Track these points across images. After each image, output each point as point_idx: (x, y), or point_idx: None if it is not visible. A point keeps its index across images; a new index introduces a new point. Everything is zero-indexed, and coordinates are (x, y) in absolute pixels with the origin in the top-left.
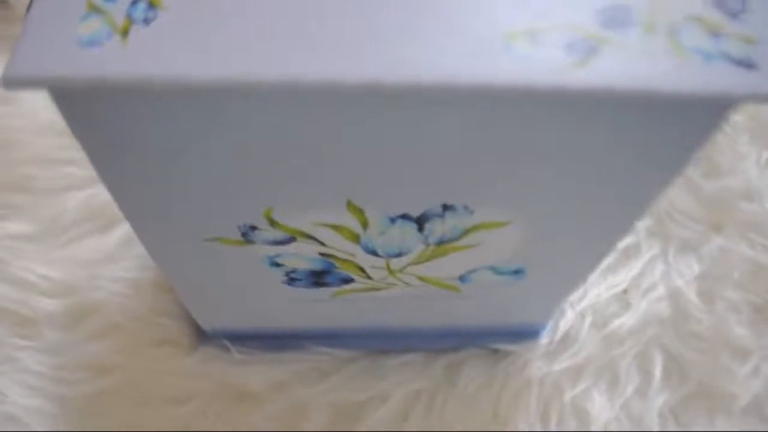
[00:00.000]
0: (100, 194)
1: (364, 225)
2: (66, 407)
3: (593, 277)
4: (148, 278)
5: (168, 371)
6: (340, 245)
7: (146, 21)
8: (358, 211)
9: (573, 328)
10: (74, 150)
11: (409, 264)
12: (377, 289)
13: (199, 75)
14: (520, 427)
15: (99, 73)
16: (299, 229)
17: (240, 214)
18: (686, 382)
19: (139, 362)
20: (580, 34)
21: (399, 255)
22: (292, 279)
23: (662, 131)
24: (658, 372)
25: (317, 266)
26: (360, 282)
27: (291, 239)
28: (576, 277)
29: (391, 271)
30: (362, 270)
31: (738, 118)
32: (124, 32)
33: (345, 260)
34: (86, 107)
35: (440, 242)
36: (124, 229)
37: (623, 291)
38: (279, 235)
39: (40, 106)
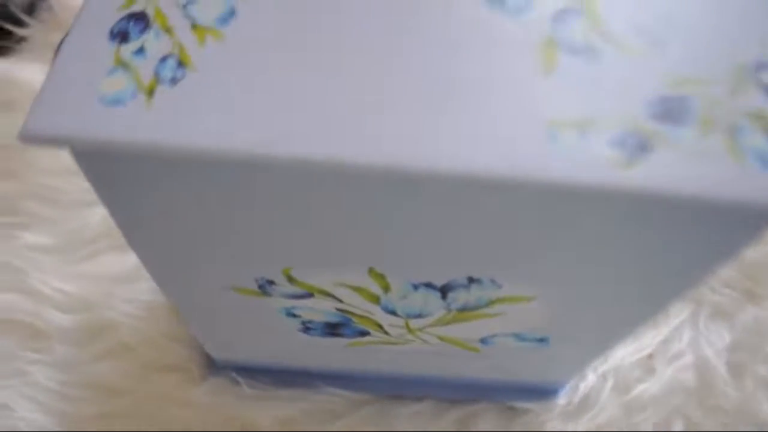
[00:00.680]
0: None
1: (386, 289)
2: (69, 426)
3: None
4: (162, 302)
5: (175, 400)
6: (358, 304)
7: (173, 81)
8: (380, 277)
9: (594, 390)
10: None
11: (429, 325)
12: (394, 344)
13: (220, 147)
14: None
15: (119, 136)
16: (318, 287)
17: (258, 270)
18: None
19: (146, 387)
20: (630, 128)
21: (419, 317)
22: (307, 328)
23: (703, 233)
24: None
25: (333, 319)
26: (376, 336)
27: (309, 295)
28: (602, 347)
29: (410, 330)
30: (380, 326)
31: None
32: (150, 92)
33: (362, 317)
34: (105, 165)
35: (463, 309)
36: None
37: (648, 356)
38: (297, 290)
39: None
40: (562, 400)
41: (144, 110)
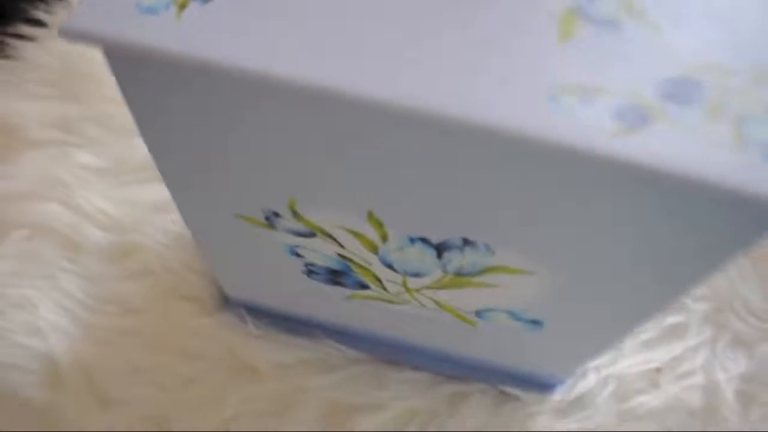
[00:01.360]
0: None
1: (383, 238)
2: (86, 333)
3: (628, 346)
4: (190, 235)
5: (186, 327)
6: (358, 251)
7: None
8: (378, 224)
9: (591, 392)
10: None
11: (426, 287)
12: (392, 302)
13: (240, 65)
14: None
15: (145, 41)
16: (320, 226)
17: (265, 198)
18: None
19: (162, 311)
20: (634, 102)
21: (416, 275)
22: (310, 271)
23: (699, 222)
24: None
25: (335, 266)
26: (375, 291)
27: (311, 233)
28: (599, 343)
29: (407, 289)
30: (379, 280)
31: None
32: (182, 6)
33: (362, 267)
34: (133, 69)
35: (458, 273)
36: None
37: (656, 369)
38: (300, 227)
39: None
40: (557, 396)
41: (174, 21)
